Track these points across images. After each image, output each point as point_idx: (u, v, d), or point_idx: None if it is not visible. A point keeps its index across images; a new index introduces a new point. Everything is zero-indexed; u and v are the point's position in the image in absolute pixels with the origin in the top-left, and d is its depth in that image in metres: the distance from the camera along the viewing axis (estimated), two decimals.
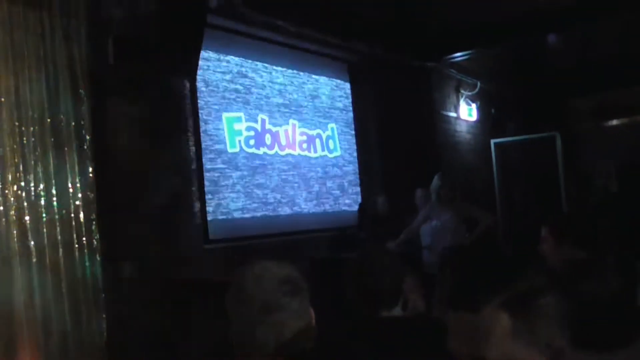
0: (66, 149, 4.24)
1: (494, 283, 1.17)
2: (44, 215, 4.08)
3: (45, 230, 4.07)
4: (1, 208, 3.85)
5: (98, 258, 4.36)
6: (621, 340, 1.80)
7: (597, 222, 5.40)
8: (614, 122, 11.12)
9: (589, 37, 9.26)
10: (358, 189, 7.69)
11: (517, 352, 1.12)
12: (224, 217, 5.85)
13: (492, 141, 9.89)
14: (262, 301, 1.52)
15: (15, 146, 3.96)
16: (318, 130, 7.20)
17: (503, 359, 1.13)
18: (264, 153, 6.39)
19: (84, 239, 4.28)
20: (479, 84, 9.80)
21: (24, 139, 4.01)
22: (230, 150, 5.99)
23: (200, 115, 5.71)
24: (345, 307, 2.30)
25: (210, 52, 5.87)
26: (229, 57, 6.14)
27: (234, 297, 1.56)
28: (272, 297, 1.53)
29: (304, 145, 6.96)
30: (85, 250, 4.28)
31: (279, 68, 6.75)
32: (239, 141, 6.10)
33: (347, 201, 7.49)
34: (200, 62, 5.46)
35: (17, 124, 3.98)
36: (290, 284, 1.56)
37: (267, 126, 6.47)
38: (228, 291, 1.58)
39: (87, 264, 4.28)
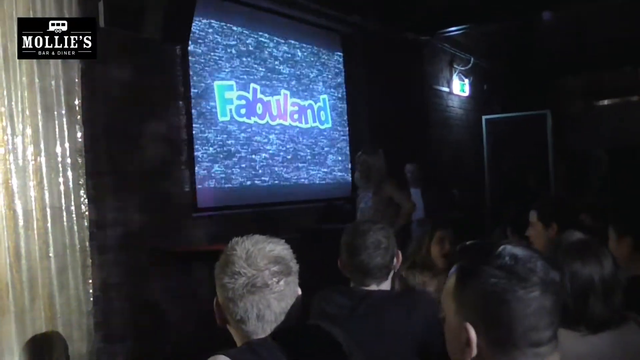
0: (55, 113, 4.19)
1: None
2: (31, 178, 4.05)
3: (32, 194, 4.04)
4: None
5: (86, 223, 4.35)
6: (607, 322, 1.82)
7: (584, 204, 5.41)
8: (605, 102, 11.15)
9: (583, 16, 9.24)
10: (348, 161, 7.68)
11: None
12: (213, 185, 5.83)
13: (484, 117, 9.90)
14: (248, 278, 1.52)
15: (3, 109, 3.92)
16: (310, 101, 7.16)
17: None
18: (255, 123, 6.35)
19: (71, 203, 4.26)
20: (472, 59, 9.78)
21: (13, 101, 3.96)
22: (221, 119, 5.95)
23: (191, 82, 5.65)
24: (330, 277, 2.32)
25: (203, 18, 5.80)
26: (222, 24, 6.06)
27: (221, 269, 1.56)
28: (260, 275, 1.53)
29: (295, 116, 6.93)
30: (73, 216, 4.26)
31: (272, 37, 6.68)
32: (230, 110, 6.06)
33: (336, 173, 7.49)
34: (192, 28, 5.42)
35: (5, 86, 3.93)
36: (280, 265, 1.56)
37: (259, 95, 6.43)
38: (218, 261, 1.58)
39: (74, 229, 4.26)
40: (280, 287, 1.54)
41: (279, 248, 1.59)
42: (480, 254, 1.17)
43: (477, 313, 1.15)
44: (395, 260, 2.29)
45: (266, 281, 1.52)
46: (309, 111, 7.13)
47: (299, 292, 1.62)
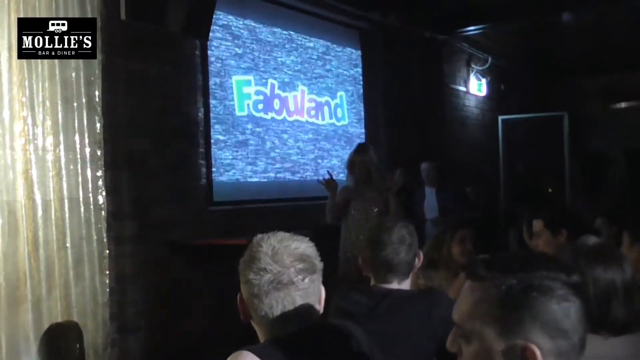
0: (75, 104, 4.22)
1: None
2: (50, 169, 4.08)
3: (51, 184, 4.07)
4: (8, 160, 3.85)
5: (103, 214, 4.38)
6: (628, 326, 1.82)
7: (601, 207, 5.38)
8: (623, 104, 11.06)
9: (602, 17, 9.16)
10: None
11: None
12: (229, 180, 5.85)
13: (500, 117, 9.86)
14: (274, 274, 1.53)
15: (24, 99, 3.95)
16: (327, 98, 7.15)
17: None
18: (272, 118, 6.36)
19: (89, 195, 4.28)
20: (490, 59, 9.73)
21: (34, 92, 3.99)
22: (238, 113, 5.97)
23: (209, 76, 5.66)
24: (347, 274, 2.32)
25: (222, 13, 5.81)
26: (242, 19, 6.07)
27: (246, 265, 1.57)
28: (285, 272, 1.54)
29: (312, 112, 6.92)
30: (91, 207, 4.28)
31: (291, 33, 6.68)
32: (248, 105, 6.07)
33: None
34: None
35: (27, 76, 3.96)
36: (305, 262, 1.57)
37: (277, 91, 6.43)
38: (242, 256, 1.59)
39: (92, 220, 4.29)
40: (305, 284, 1.55)
41: (304, 246, 1.60)
42: (517, 267, 1.13)
43: (543, 329, 1.09)
44: (417, 259, 2.30)
45: (292, 278, 1.53)
46: (325, 108, 7.13)
47: (323, 290, 1.62)
